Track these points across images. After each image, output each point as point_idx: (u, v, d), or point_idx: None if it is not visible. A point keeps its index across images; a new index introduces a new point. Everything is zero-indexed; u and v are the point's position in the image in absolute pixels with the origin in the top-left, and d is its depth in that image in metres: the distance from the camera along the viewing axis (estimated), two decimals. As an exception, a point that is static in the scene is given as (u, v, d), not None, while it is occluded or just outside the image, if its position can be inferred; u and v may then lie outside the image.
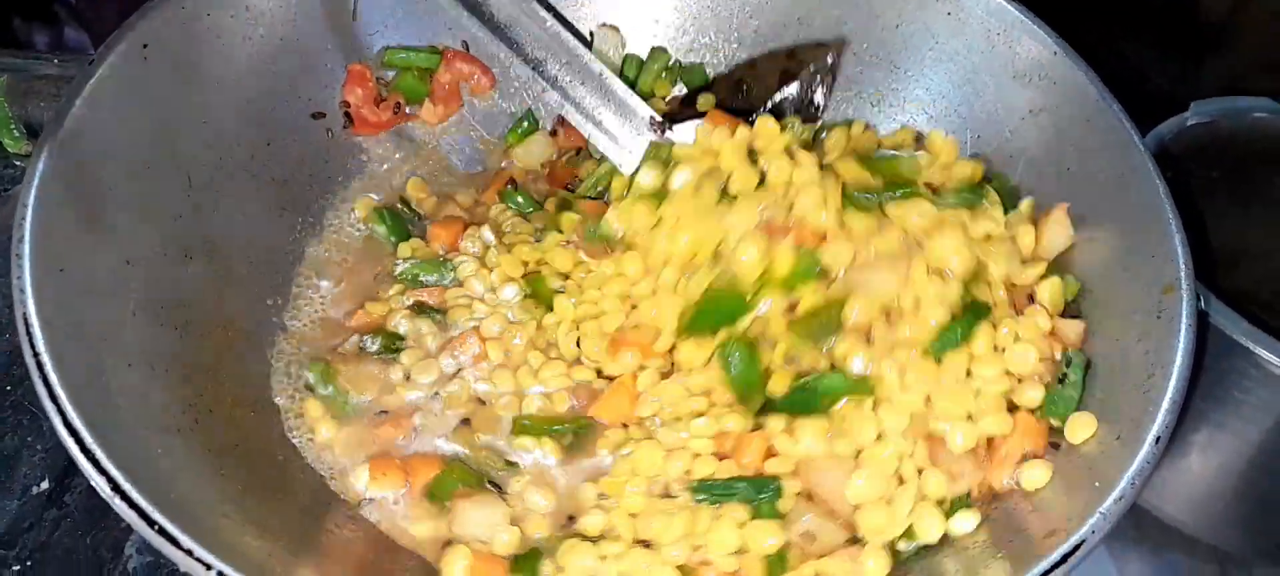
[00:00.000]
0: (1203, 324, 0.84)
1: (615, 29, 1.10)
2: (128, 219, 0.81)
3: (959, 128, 1.00)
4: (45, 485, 0.92)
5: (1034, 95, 0.94)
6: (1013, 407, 0.83)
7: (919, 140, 1.03)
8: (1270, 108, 1.06)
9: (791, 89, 1.06)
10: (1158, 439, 0.71)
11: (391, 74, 1.05)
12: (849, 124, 1.05)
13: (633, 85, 1.09)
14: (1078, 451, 0.77)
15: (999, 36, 0.96)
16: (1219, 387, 0.91)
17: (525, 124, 1.08)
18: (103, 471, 0.64)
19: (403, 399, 0.88)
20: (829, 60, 1.05)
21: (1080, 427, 0.78)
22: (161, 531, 0.62)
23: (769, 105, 1.06)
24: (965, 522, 0.78)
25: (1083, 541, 0.67)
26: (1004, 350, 0.84)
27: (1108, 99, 0.89)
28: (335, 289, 0.96)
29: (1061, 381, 0.83)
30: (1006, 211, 0.92)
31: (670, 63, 1.10)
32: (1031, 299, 0.88)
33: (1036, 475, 0.79)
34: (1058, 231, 0.90)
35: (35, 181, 0.75)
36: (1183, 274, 0.78)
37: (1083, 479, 0.73)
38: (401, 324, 0.92)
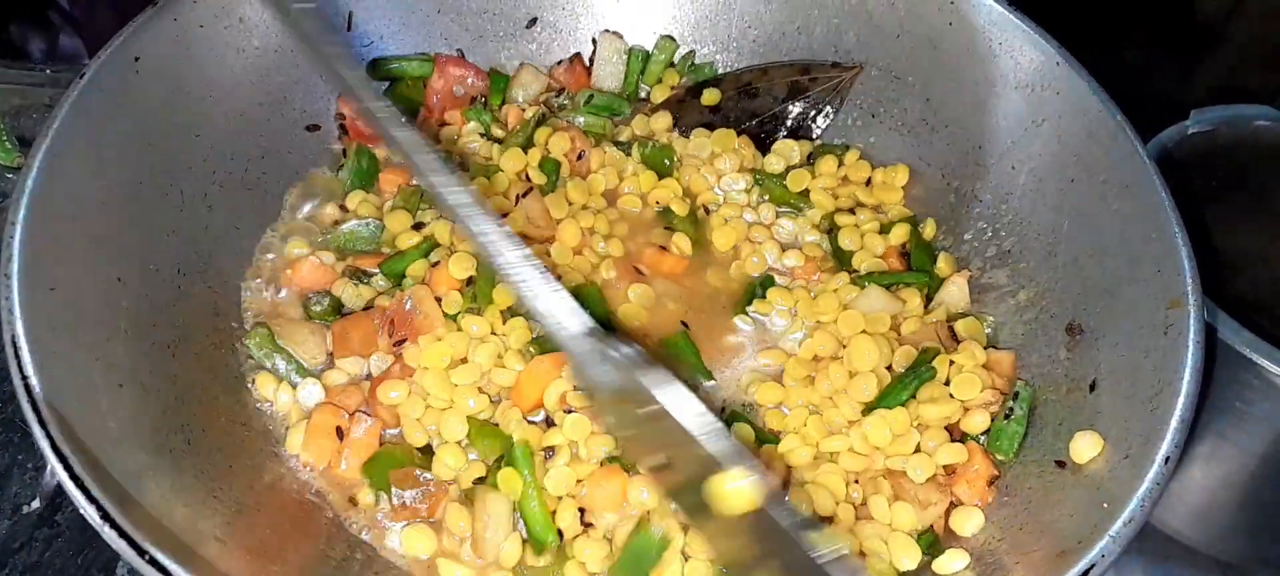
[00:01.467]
0: (1210, 339, 0.83)
1: (618, 36, 1.09)
2: (120, 235, 0.80)
3: (961, 138, 0.99)
4: (36, 504, 0.90)
5: (1037, 105, 0.93)
6: (965, 437, 0.86)
7: (913, 177, 1.03)
8: (1270, 115, 1.05)
9: (796, 107, 1.05)
10: (1167, 459, 0.70)
11: (385, 85, 1.04)
12: (844, 149, 1.04)
13: (640, 75, 1.09)
14: (1084, 470, 0.76)
15: (1000, 46, 0.95)
16: (1221, 399, 0.90)
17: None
18: (92, 499, 0.63)
19: (348, 372, 0.88)
20: (838, 85, 1.04)
21: (1086, 447, 0.78)
22: (152, 561, 0.61)
23: (771, 113, 1.06)
24: (955, 562, 0.78)
25: (1092, 565, 0.66)
26: (948, 382, 0.87)
27: (1111, 109, 0.88)
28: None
29: (1007, 416, 0.85)
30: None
31: (678, 56, 1.10)
32: (954, 335, 0.92)
33: (969, 522, 0.80)
34: (956, 294, 0.96)
35: (24, 198, 0.74)
36: (1189, 288, 0.77)
37: (1091, 499, 0.72)
38: (343, 289, 0.92)
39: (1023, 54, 0.94)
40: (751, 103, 1.07)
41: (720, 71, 1.09)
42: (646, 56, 1.09)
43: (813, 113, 1.06)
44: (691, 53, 1.10)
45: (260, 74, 0.95)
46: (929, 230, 1.00)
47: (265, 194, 0.95)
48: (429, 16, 1.05)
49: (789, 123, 1.06)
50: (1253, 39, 1.35)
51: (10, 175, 1.10)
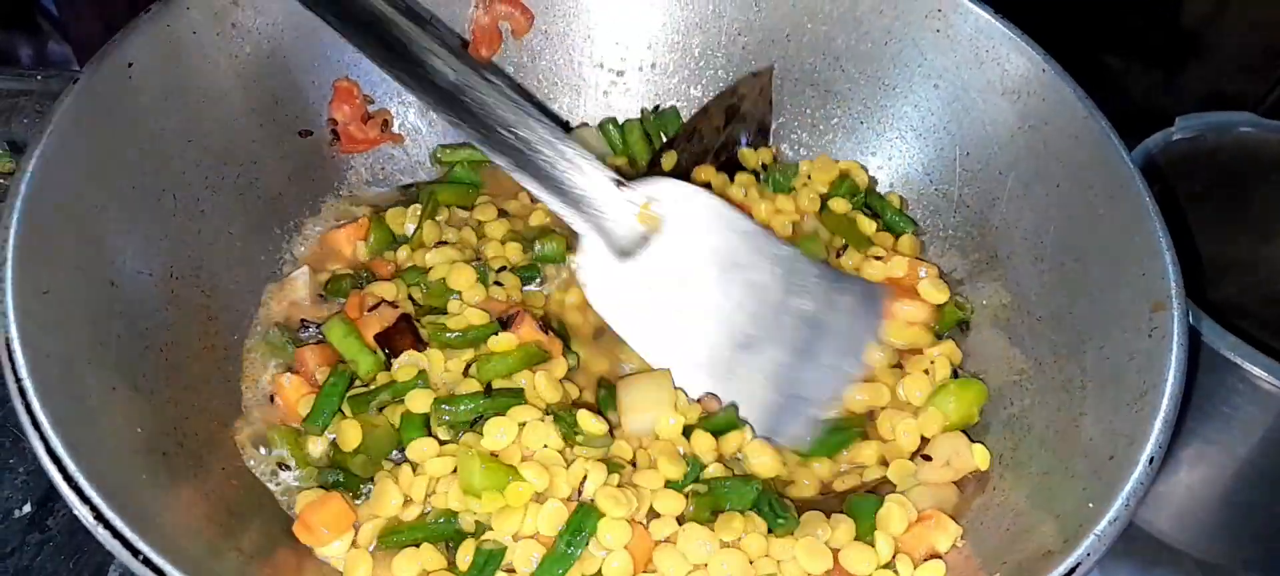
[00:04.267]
0: (1194, 341, 0.83)
1: (585, 125, 1.11)
2: (113, 240, 0.80)
3: (948, 144, 1.00)
4: (27, 508, 0.90)
5: (1022, 111, 0.94)
6: None
7: (904, 205, 1.04)
8: (1254, 122, 1.06)
9: (737, 126, 1.07)
10: (1151, 459, 0.70)
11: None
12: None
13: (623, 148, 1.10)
14: (1071, 469, 0.77)
15: (987, 53, 0.96)
16: (1207, 402, 0.91)
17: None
18: (86, 499, 0.63)
19: None
20: (760, 88, 1.06)
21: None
22: (147, 561, 0.61)
23: (719, 144, 1.07)
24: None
25: (1078, 563, 0.67)
26: None
27: (1096, 115, 0.89)
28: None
29: None
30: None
31: (646, 117, 1.11)
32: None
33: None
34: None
35: (18, 201, 0.74)
36: (1173, 291, 0.78)
37: (1077, 499, 0.73)
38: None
39: (1009, 61, 0.95)
40: (699, 144, 1.07)
41: (694, 95, 1.10)
42: (622, 128, 1.10)
43: (755, 127, 1.07)
44: (656, 108, 1.11)
45: (252, 79, 0.95)
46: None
47: (257, 199, 0.95)
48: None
49: (741, 142, 1.07)
50: (1235, 47, 1.36)
51: (2, 180, 1.10)
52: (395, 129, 1.06)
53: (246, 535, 0.74)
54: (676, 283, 0.89)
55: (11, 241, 0.72)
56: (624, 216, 0.88)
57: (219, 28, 0.92)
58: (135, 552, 0.62)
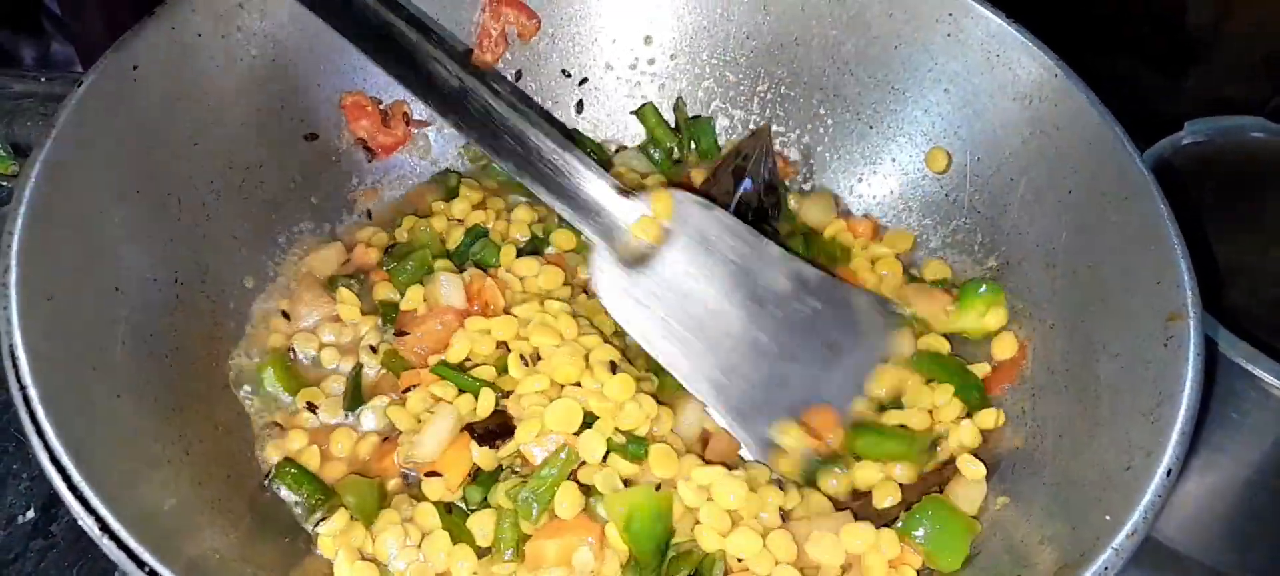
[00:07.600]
0: (1210, 351, 0.83)
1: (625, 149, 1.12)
2: (118, 244, 0.80)
3: (959, 149, 1.00)
4: (31, 514, 0.90)
5: (1034, 116, 0.93)
6: None
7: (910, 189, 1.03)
8: (1265, 127, 1.06)
9: (746, 183, 1.05)
10: (1169, 471, 0.70)
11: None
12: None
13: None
14: (1087, 480, 0.76)
15: (998, 58, 0.95)
16: (1216, 408, 0.91)
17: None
18: (91, 510, 0.62)
19: None
20: (762, 145, 1.06)
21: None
22: (152, 573, 0.61)
23: (733, 205, 1.04)
24: None
25: (1095, 577, 0.67)
26: None
27: (1109, 121, 0.88)
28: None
29: None
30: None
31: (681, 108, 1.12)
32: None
33: None
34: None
35: (22, 205, 0.73)
36: (1189, 301, 0.77)
37: (1094, 511, 0.72)
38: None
39: (1021, 66, 0.94)
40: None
41: (710, 94, 1.10)
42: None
43: (763, 185, 1.05)
44: (696, 117, 1.11)
45: (258, 83, 0.94)
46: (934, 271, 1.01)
47: (262, 203, 0.95)
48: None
49: (754, 202, 1.05)
50: (1241, 51, 1.36)
51: (5, 183, 1.10)
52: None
53: (255, 547, 0.73)
54: (684, 292, 0.90)
55: (16, 245, 0.71)
56: (629, 224, 0.90)
57: (224, 31, 0.91)
58: (140, 563, 0.61)
